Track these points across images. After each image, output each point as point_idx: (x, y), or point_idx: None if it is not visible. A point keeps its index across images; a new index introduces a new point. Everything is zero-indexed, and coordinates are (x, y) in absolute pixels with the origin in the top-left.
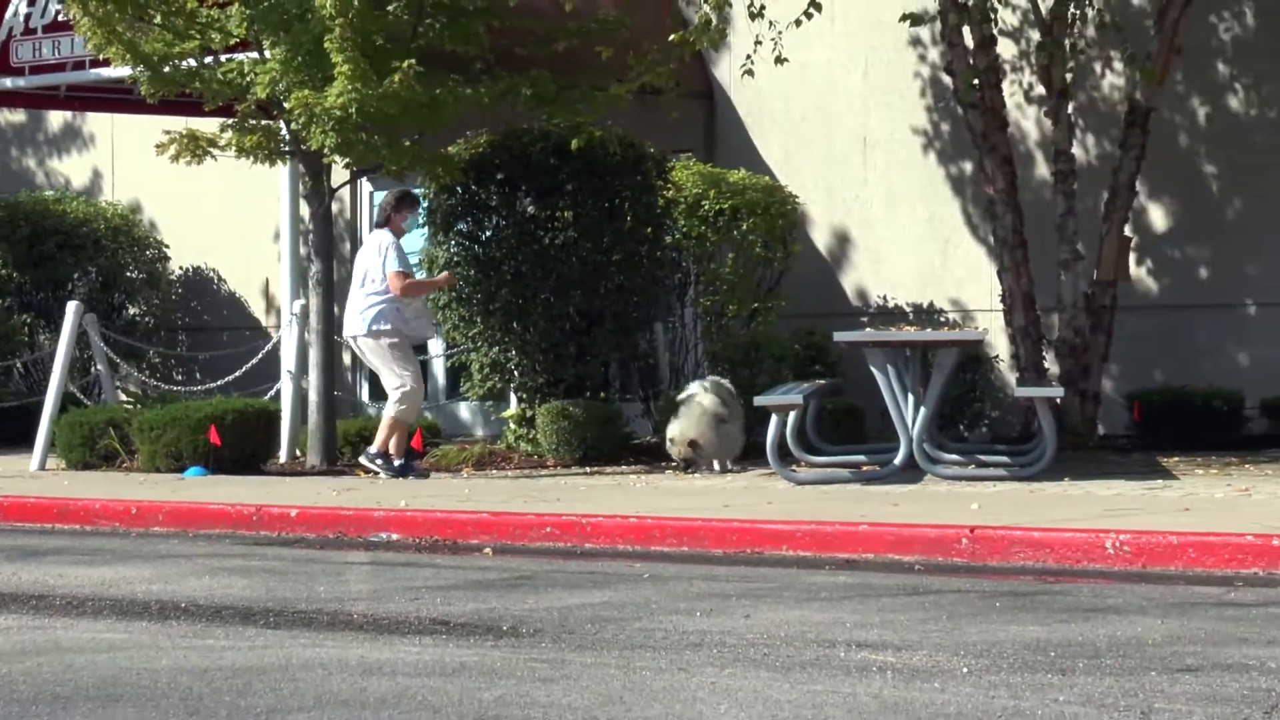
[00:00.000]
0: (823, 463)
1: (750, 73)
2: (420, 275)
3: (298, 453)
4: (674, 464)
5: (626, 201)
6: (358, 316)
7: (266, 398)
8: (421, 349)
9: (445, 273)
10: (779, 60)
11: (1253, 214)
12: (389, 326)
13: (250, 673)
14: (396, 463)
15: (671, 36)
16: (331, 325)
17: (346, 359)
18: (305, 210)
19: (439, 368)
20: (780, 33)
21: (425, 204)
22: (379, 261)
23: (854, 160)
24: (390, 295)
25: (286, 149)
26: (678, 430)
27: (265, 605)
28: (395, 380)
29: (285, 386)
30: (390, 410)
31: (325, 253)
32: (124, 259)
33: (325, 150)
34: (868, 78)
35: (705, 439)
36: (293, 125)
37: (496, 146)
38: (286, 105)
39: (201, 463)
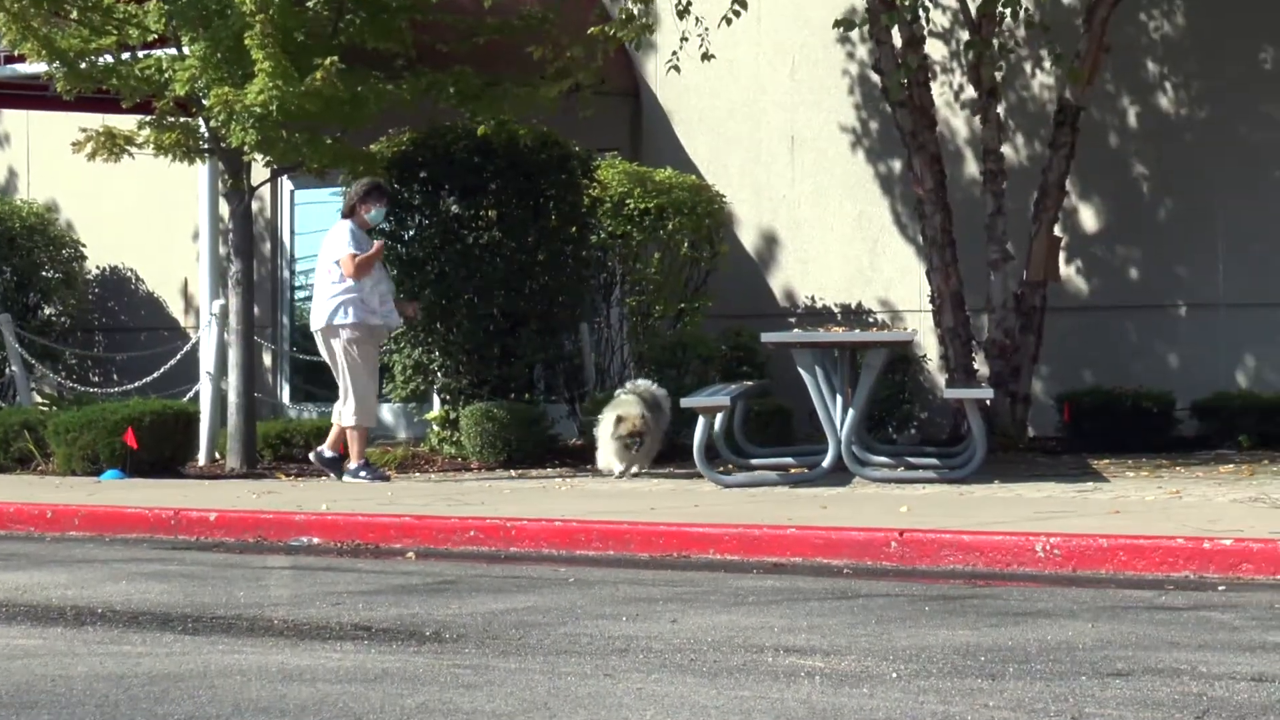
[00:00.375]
0: (750, 465)
1: (676, 69)
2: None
3: (217, 455)
4: (599, 468)
5: (551, 200)
6: (320, 311)
7: (185, 399)
8: None
9: (377, 242)
10: (706, 57)
11: (1183, 214)
12: (351, 320)
13: (168, 679)
14: (328, 454)
15: (591, 29)
16: (251, 326)
17: (267, 360)
18: (225, 209)
19: None
20: (706, 29)
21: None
22: (338, 251)
23: (781, 159)
24: (350, 285)
25: (205, 147)
26: (623, 410)
27: (183, 611)
28: (351, 388)
29: (204, 388)
30: (346, 422)
31: (245, 252)
32: (40, 258)
33: (245, 148)
34: (795, 75)
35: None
36: (212, 123)
37: (419, 144)
38: (206, 102)
39: (119, 466)
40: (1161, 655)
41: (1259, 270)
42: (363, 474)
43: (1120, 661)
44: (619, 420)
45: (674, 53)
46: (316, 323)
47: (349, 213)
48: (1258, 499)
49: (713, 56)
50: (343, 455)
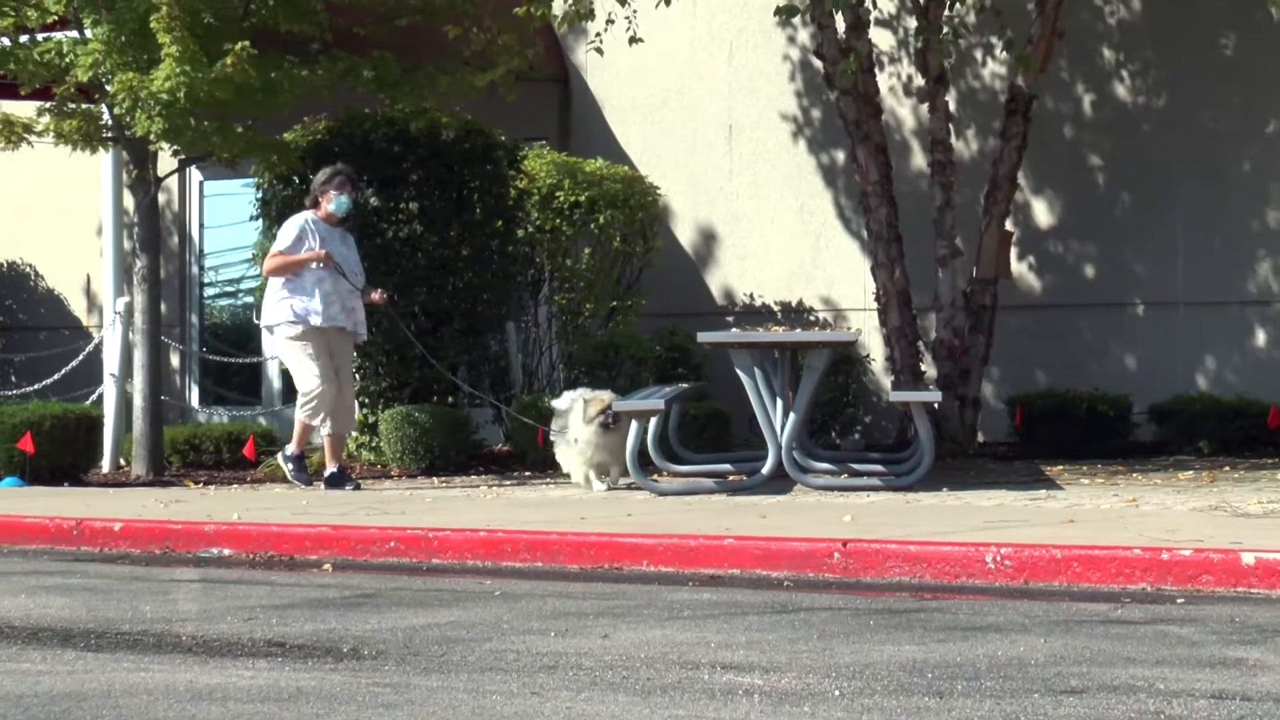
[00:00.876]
0: (686, 472)
1: (599, 50)
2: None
3: (122, 462)
4: (526, 473)
5: (476, 192)
6: (264, 308)
7: (88, 402)
8: (254, 349)
9: (321, 250)
10: (633, 40)
11: (1140, 208)
12: (288, 318)
13: (69, 699)
14: (326, 470)
15: (518, 9)
16: (158, 324)
17: (174, 361)
18: (130, 201)
19: (274, 370)
20: (635, 11)
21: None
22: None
23: (719, 149)
24: (286, 283)
25: (109, 135)
26: (585, 396)
27: (86, 626)
28: (298, 384)
29: (108, 390)
30: (296, 415)
31: (151, 246)
32: None
33: (151, 137)
34: (733, 60)
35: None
36: (116, 110)
37: (335, 133)
38: (109, 89)
39: (17, 473)
40: (1117, 671)
41: (1220, 267)
42: (290, 465)
43: (1074, 678)
44: (586, 403)
45: (598, 34)
46: (263, 321)
47: (312, 204)
48: (1218, 507)
49: (640, 40)
50: (343, 468)
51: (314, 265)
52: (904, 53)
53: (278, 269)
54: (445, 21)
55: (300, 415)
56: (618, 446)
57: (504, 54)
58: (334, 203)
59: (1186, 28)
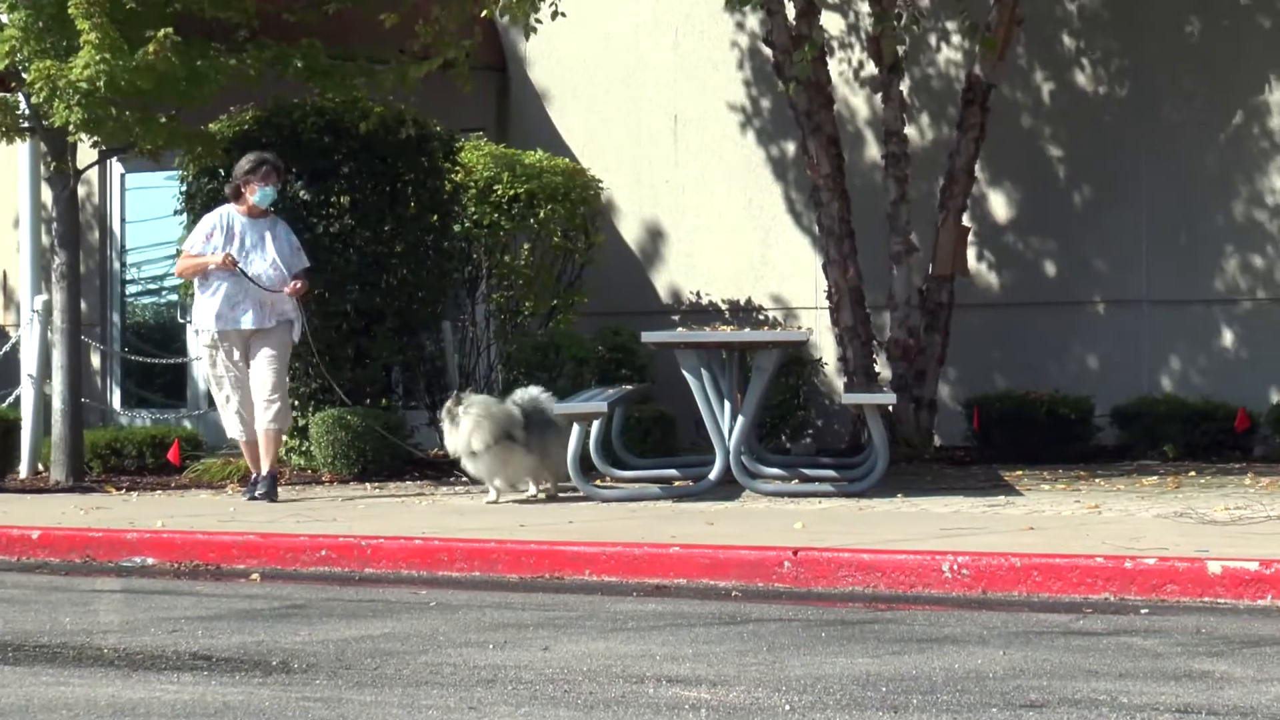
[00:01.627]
0: (630, 477)
1: (534, 29)
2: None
3: (40, 467)
4: (464, 478)
5: (410, 186)
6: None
7: (5, 405)
8: (178, 349)
9: (222, 254)
10: (556, 14)
11: (1102, 202)
12: (199, 325)
13: None
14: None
15: (483, 12)
16: (78, 323)
17: (95, 361)
18: (48, 194)
19: (199, 371)
20: None
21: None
22: None
23: (664, 140)
24: (202, 284)
25: (26, 125)
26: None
27: (2, 639)
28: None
29: (26, 392)
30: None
31: (71, 242)
32: None
33: (70, 127)
34: (679, 48)
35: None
36: (33, 99)
37: (263, 123)
38: (26, 77)
39: None
40: (1079, 685)
41: (1185, 264)
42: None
43: (1034, 692)
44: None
45: (529, 13)
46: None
47: (234, 195)
48: (1183, 514)
49: (563, 14)
50: (266, 477)
51: (211, 266)
52: (855, 38)
53: (185, 271)
54: (378, 9)
55: (233, 437)
56: (491, 475)
57: (443, 43)
58: (258, 194)
59: (1148, 13)
